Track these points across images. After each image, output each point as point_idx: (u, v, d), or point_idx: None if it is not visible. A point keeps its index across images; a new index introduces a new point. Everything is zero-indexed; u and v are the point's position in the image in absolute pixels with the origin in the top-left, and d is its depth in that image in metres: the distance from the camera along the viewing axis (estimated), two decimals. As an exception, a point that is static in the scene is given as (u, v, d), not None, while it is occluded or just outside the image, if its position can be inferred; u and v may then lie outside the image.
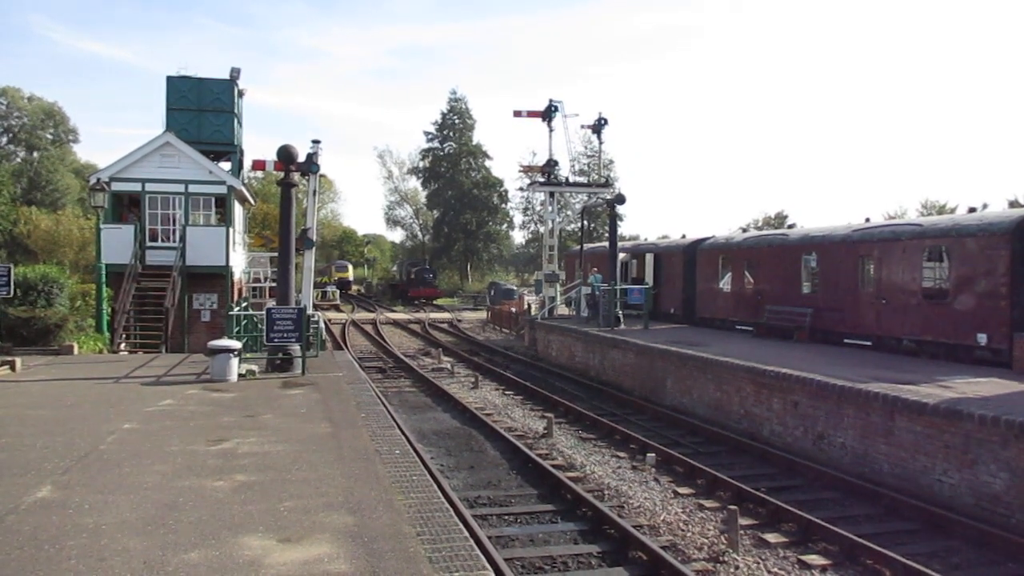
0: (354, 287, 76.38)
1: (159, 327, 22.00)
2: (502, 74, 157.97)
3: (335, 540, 5.92)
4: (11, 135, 77.29)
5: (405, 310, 56.62)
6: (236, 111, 27.04)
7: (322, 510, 6.66)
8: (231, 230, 24.79)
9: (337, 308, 56.38)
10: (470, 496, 11.60)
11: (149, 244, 24.07)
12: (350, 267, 79.14)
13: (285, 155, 15.93)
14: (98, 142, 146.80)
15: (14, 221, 56.06)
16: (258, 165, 23.77)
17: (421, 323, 44.01)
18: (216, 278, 24.54)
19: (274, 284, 22.01)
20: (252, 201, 31.94)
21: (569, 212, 72.08)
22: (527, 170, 41.66)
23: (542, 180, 34.55)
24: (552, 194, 34.78)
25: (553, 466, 13.02)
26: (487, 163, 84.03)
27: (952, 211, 56.54)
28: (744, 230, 32.77)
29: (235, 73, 26.97)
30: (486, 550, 8.48)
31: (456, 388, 21.70)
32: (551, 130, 34.19)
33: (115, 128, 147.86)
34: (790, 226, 30.54)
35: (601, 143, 37.18)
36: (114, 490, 7.15)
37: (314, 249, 20.16)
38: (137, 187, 24.21)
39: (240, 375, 14.16)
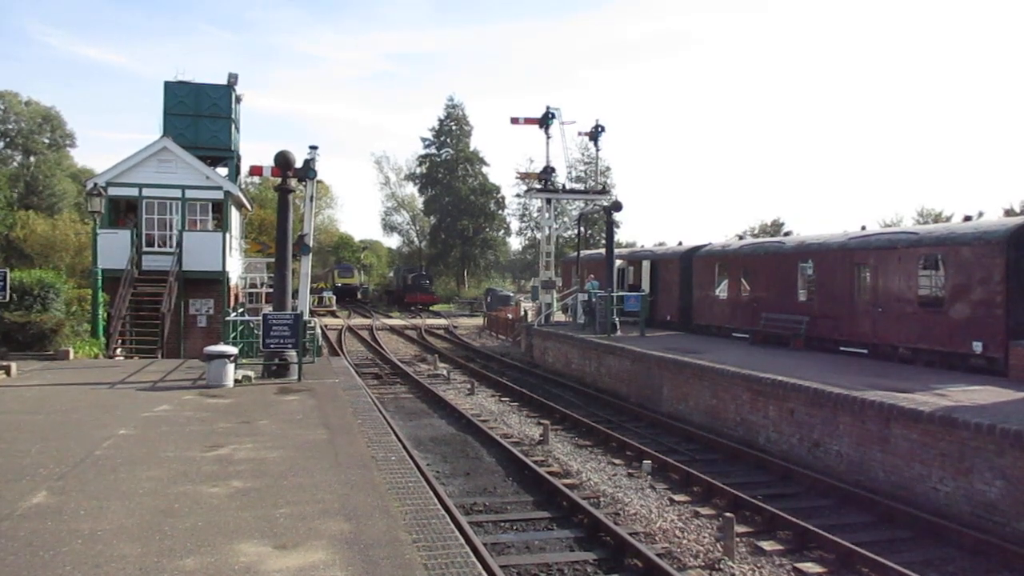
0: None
1: (155, 332, 21.96)
2: (499, 79, 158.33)
3: (331, 547, 5.92)
4: (8, 139, 77.13)
5: (402, 316, 56.58)
6: (233, 116, 27.06)
7: (318, 517, 6.65)
8: (228, 235, 24.77)
9: (333, 314, 56.31)
10: (466, 503, 11.58)
11: (146, 249, 24.04)
12: (355, 271, 77.55)
13: (282, 161, 15.94)
14: (95, 147, 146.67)
15: (10, 225, 55.97)
16: (255, 170, 23.64)
17: (417, 329, 43.99)
18: (212, 283, 24.52)
19: (270, 290, 21.97)
20: (249, 207, 31.91)
21: (566, 219, 72.13)
22: (524, 177, 41.63)
23: (539, 187, 34.62)
24: (549, 201, 34.84)
25: (549, 473, 13.01)
26: (484, 169, 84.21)
27: (948, 219, 56.75)
28: (740, 237, 32.90)
29: (232, 79, 27.00)
30: (482, 557, 8.46)
31: (452, 394, 21.68)
32: (548, 137, 34.27)
33: (112, 133, 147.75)
34: (786, 233, 30.53)
35: (598, 150, 37.27)
36: (109, 496, 7.13)
37: (311, 255, 20.15)
38: (134, 192, 24.19)
39: (236, 381, 14.14)
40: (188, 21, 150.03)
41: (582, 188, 45.45)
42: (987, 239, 16.26)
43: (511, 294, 62.65)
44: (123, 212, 25.14)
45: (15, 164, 75.87)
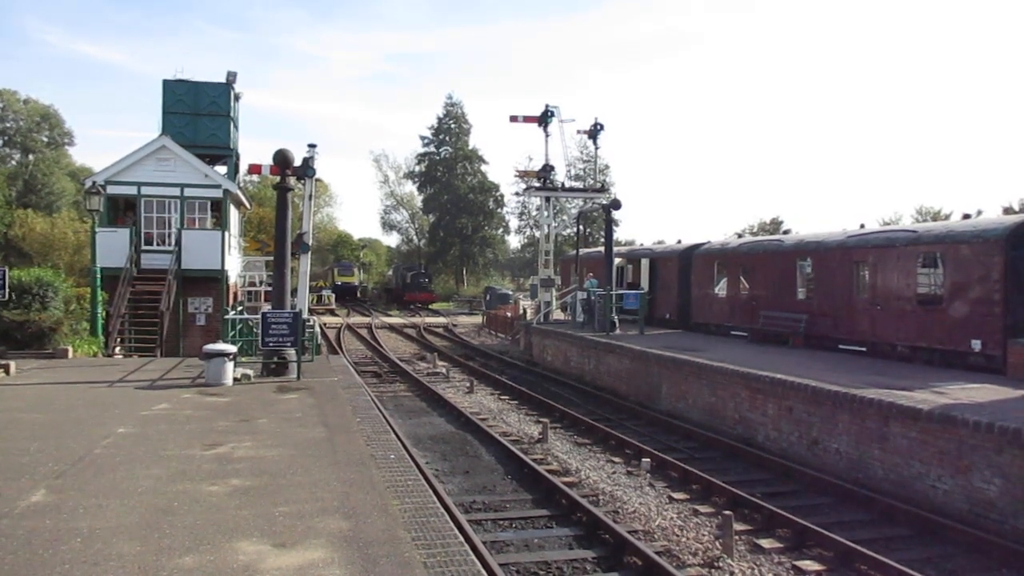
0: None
1: (154, 331, 21.95)
2: (499, 79, 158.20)
3: (330, 545, 5.92)
4: (6, 138, 77.08)
5: (401, 314, 56.56)
6: (232, 115, 27.04)
7: (317, 515, 6.65)
8: (227, 234, 24.76)
9: (333, 312, 56.28)
10: (465, 501, 11.59)
11: (144, 248, 24.04)
12: (356, 270, 77.10)
13: (281, 159, 15.94)
14: (94, 145, 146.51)
15: (9, 224, 55.93)
16: (254, 169, 23.75)
17: (417, 327, 43.98)
18: (211, 282, 24.51)
19: (269, 288, 21.97)
20: (248, 205, 31.90)
21: (565, 217, 72.13)
22: (523, 175, 41.61)
23: (538, 185, 34.59)
24: (548, 199, 34.81)
25: (548, 471, 13.01)
26: (483, 168, 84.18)
27: (947, 217, 56.79)
28: (739, 235, 32.86)
29: (231, 77, 26.99)
30: (481, 555, 8.47)
31: (451, 393, 21.68)
32: (547, 135, 34.22)
33: (111, 131, 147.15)
34: (785, 232, 30.54)
35: (597, 148, 37.23)
36: (108, 494, 7.13)
37: (310, 253, 20.15)
38: (133, 190, 24.18)
39: (235, 379, 14.14)
40: (188, 20, 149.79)
41: (581, 186, 45.47)
42: (986, 237, 16.27)
43: (510, 292, 62.59)
44: (122, 210, 25.14)
45: (14, 162, 75.83)
